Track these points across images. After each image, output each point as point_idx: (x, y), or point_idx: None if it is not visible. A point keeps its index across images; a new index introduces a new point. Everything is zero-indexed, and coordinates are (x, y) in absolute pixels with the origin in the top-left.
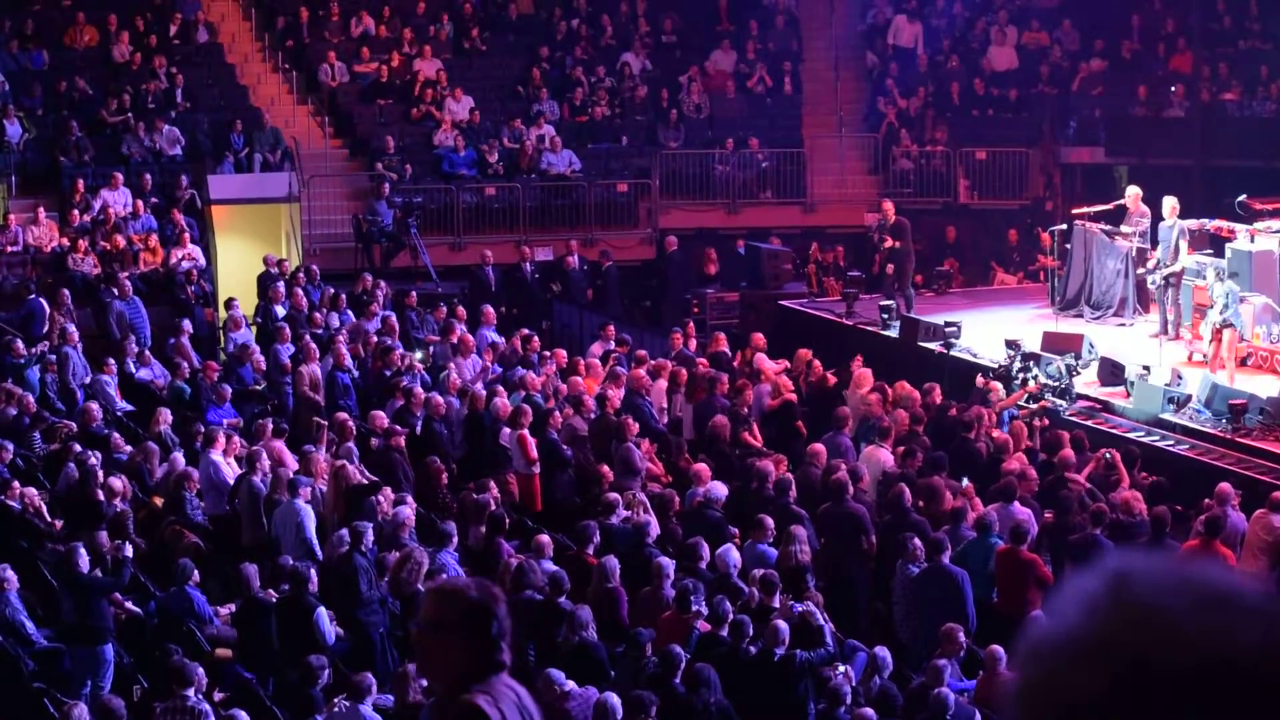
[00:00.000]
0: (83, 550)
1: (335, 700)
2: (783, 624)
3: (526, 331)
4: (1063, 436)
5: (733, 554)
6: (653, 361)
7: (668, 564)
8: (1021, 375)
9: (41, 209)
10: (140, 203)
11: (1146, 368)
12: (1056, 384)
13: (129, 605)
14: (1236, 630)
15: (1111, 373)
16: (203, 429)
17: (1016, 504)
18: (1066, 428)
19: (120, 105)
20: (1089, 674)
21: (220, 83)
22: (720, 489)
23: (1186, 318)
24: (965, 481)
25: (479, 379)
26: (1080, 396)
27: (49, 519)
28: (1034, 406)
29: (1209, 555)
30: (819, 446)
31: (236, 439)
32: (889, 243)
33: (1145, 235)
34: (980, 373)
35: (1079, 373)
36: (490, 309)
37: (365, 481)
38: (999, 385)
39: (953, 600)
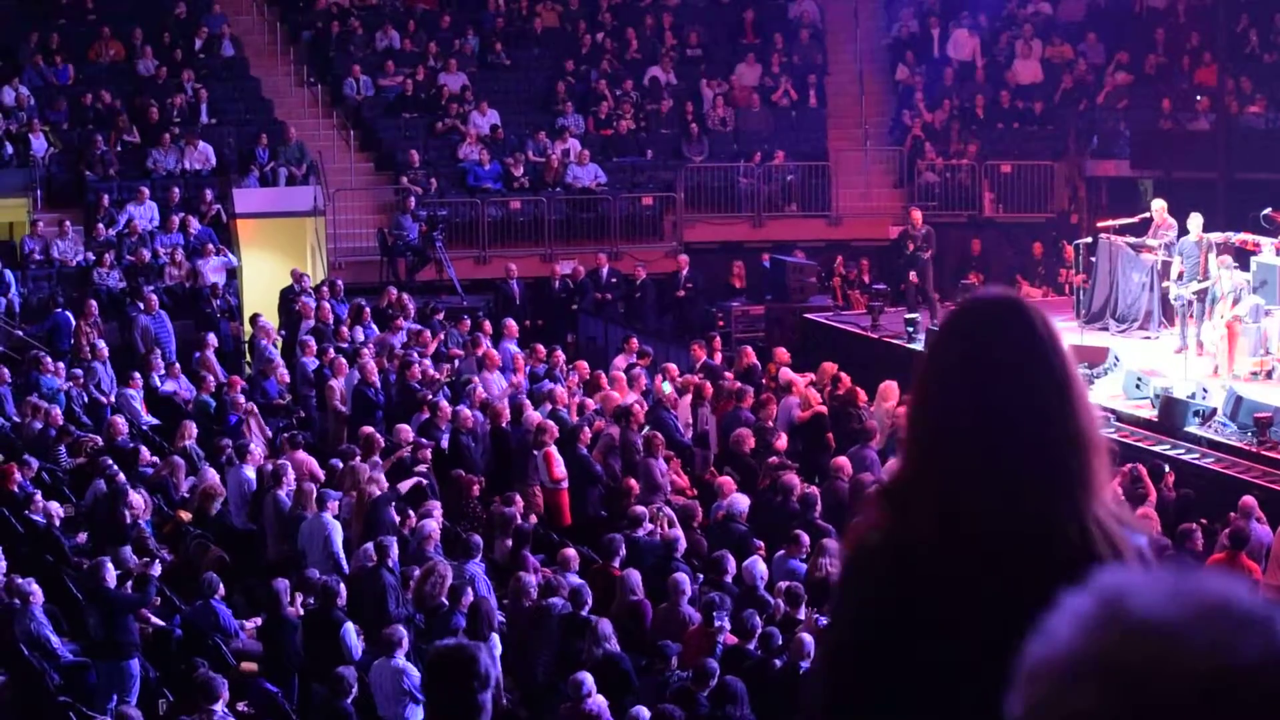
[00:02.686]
0: (110, 565)
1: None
2: (808, 637)
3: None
4: None
5: (759, 566)
6: (681, 378)
7: (684, 580)
8: None
9: (67, 222)
10: (175, 218)
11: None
12: None
13: (154, 619)
14: (1235, 641)
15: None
16: (231, 443)
17: None
18: None
19: (142, 120)
20: (1089, 693)
21: (245, 96)
22: (741, 502)
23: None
24: None
25: (506, 395)
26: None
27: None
28: None
29: (1234, 568)
30: (843, 460)
31: (260, 450)
32: (911, 248)
33: (1170, 248)
34: None
35: (1092, 383)
36: (513, 322)
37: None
38: None
39: None
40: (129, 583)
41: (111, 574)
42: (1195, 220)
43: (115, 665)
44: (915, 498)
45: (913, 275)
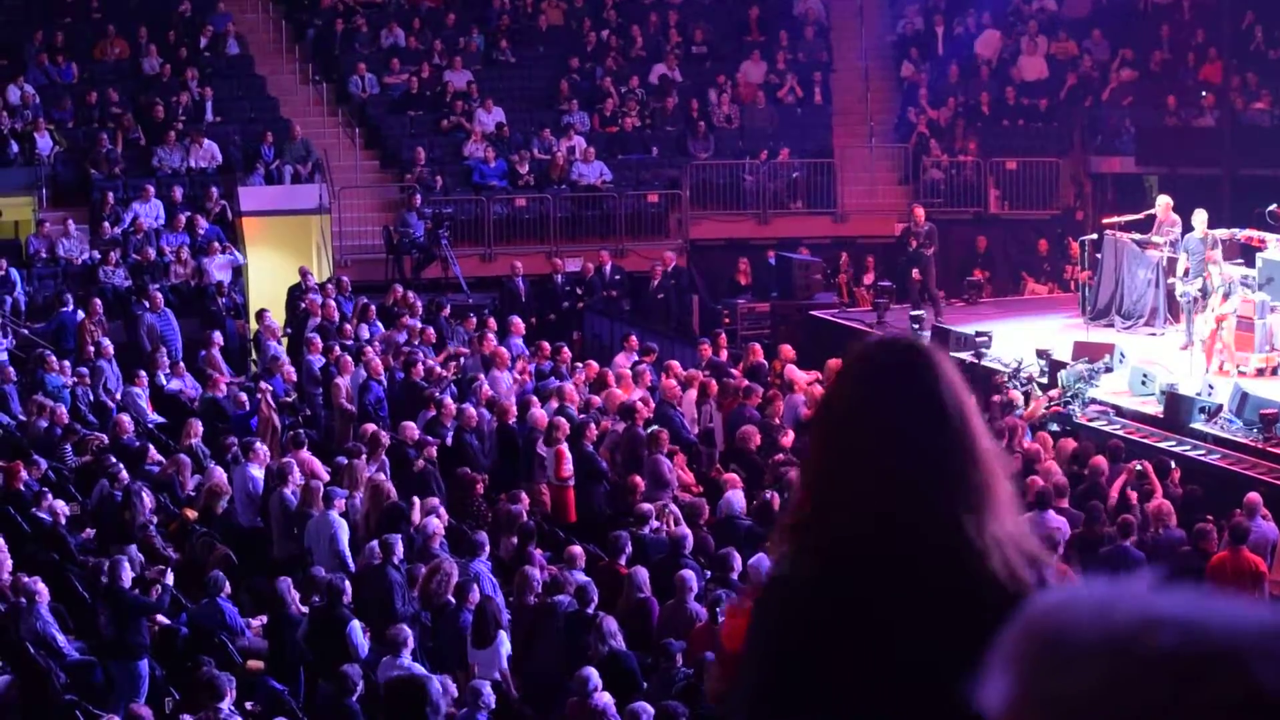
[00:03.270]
0: (126, 564)
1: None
2: None
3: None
4: (1090, 447)
5: (766, 563)
6: (685, 372)
7: (690, 577)
8: (1027, 376)
9: (72, 221)
10: (180, 217)
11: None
12: (1070, 389)
13: (161, 618)
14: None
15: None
16: (237, 441)
17: (1051, 512)
18: (1087, 434)
19: (147, 119)
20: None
21: (250, 95)
22: (737, 499)
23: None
24: None
25: (512, 393)
26: (1093, 401)
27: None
28: (1046, 411)
29: (1238, 564)
30: None
31: (265, 449)
32: (914, 245)
33: (1176, 245)
34: (996, 376)
35: (1093, 379)
36: (519, 320)
37: (398, 499)
38: (1020, 395)
39: None
40: (140, 588)
41: (128, 574)
42: (1200, 216)
43: (126, 665)
44: (820, 528)
45: (915, 272)
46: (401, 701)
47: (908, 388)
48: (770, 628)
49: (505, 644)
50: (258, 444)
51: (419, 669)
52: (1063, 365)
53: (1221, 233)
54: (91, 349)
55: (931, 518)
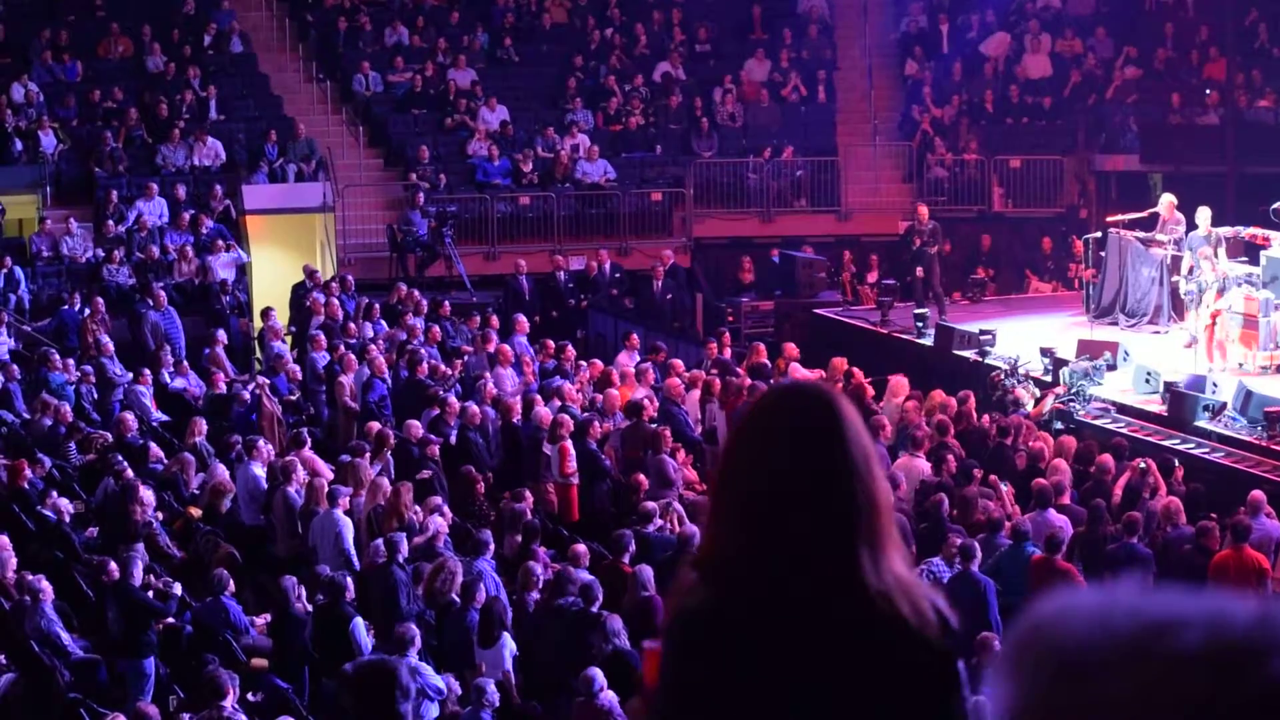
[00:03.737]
0: (139, 563)
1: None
2: None
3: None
4: (1091, 445)
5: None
6: (689, 373)
7: None
8: (1024, 374)
9: (72, 219)
10: (185, 215)
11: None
12: (1074, 386)
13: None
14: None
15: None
16: (240, 439)
17: (1052, 511)
18: (1091, 432)
19: (151, 117)
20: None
21: (254, 93)
22: None
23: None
24: (1006, 486)
25: (518, 392)
26: (1095, 399)
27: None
28: (1052, 409)
29: (1240, 562)
30: None
31: (270, 447)
32: (917, 243)
33: (1180, 243)
34: (993, 374)
35: (1094, 376)
36: (523, 318)
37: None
38: (1025, 393)
39: (977, 608)
40: (149, 592)
41: (139, 571)
42: (1203, 214)
43: (133, 664)
44: (722, 567)
45: (919, 270)
46: (370, 687)
47: (809, 434)
48: (673, 663)
49: (509, 644)
50: (260, 442)
51: (425, 667)
52: (1065, 363)
53: (1226, 230)
54: (93, 347)
55: (830, 559)
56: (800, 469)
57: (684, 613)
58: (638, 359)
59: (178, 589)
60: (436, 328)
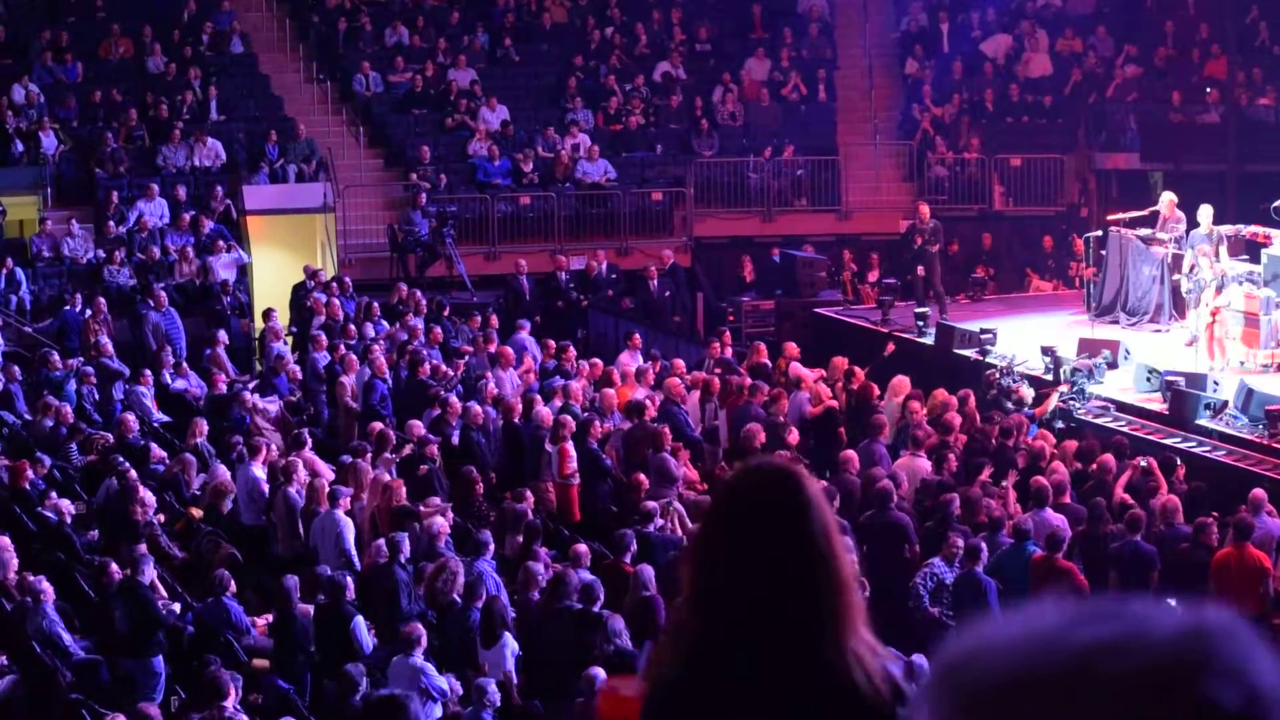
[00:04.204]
0: (150, 563)
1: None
2: None
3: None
4: (1093, 444)
5: None
6: (690, 375)
7: None
8: (1020, 374)
9: (74, 221)
10: (185, 216)
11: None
12: (1075, 384)
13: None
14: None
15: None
16: (242, 440)
17: (1049, 510)
18: (1092, 431)
19: (152, 118)
20: None
21: (254, 93)
22: None
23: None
24: (1006, 483)
25: (519, 391)
26: (1095, 397)
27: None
28: (1053, 407)
29: (1242, 560)
30: (851, 453)
31: (273, 448)
32: (919, 242)
33: (1180, 241)
34: (988, 373)
35: (1095, 373)
36: (524, 323)
37: (406, 502)
38: (1028, 391)
39: (982, 610)
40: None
41: (149, 571)
42: (1205, 212)
43: (142, 663)
44: (693, 637)
45: (920, 269)
46: (380, 717)
47: (775, 513)
48: None
49: (511, 643)
50: (261, 442)
51: (430, 667)
52: (1064, 362)
53: (1227, 229)
54: (93, 347)
55: (793, 636)
56: (766, 548)
57: (658, 684)
58: (640, 359)
59: (176, 607)
60: (438, 328)
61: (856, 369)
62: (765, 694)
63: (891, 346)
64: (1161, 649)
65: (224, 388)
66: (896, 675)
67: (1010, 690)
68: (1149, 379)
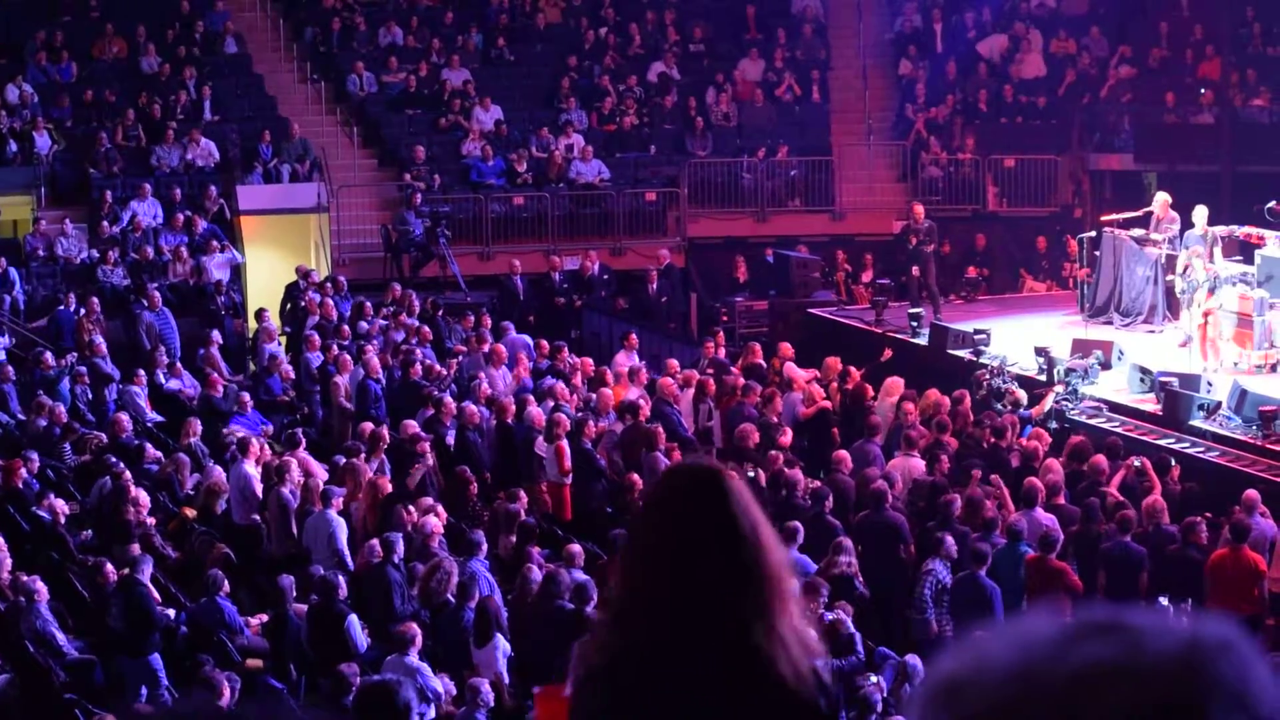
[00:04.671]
0: (149, 563)
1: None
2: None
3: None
4: (1087, 443)
5: None
6: (683, 373)
7: None
8: (1012, 375)
9: (67, 220)
10: (179, 216)
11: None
12: (1069, 385)
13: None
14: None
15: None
16: (235, 439)
17: (1039, 510)
18: (1086, 431)
19: (145, 118)
20: None
21: (248, 93)
22: None
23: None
24: (999, 484)
25: (511, 390)
26: (1087, 398)
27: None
28: (1049, 407)
29: (1238, 562)
30: (844, 454)
31: (265, 447)
32: (914, 242)
33: (1174, 242)
34: (977, 372)
35: (1089, 374)
36: (508, 324)
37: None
38: (1023, 393)
39: (983, 615)
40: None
41: (147, 569)
42: (1200, 213)
43: (137, 661)
44: (624, 629)
45: (915, 269)
46: (373, 706)
47: (704, 509)
48: (577, 703)
49: (503, 644)
50: (253, 441)
51: (424, 668)
52: (1056, 362)
53: (1220, 229)
54: (87, 347)
55: (716, 621)
56: (693, 540)
57: (587, 659)
58: (636, 359)
59: (171, 613)
60: (428, 328)
61: (852, 369)
62: (692, 684)
63: (889, 352)
64: (1161, 677)
65: (219, 389)
66: (821, 669)
67: (1005, 716)
68: (1142, 380)
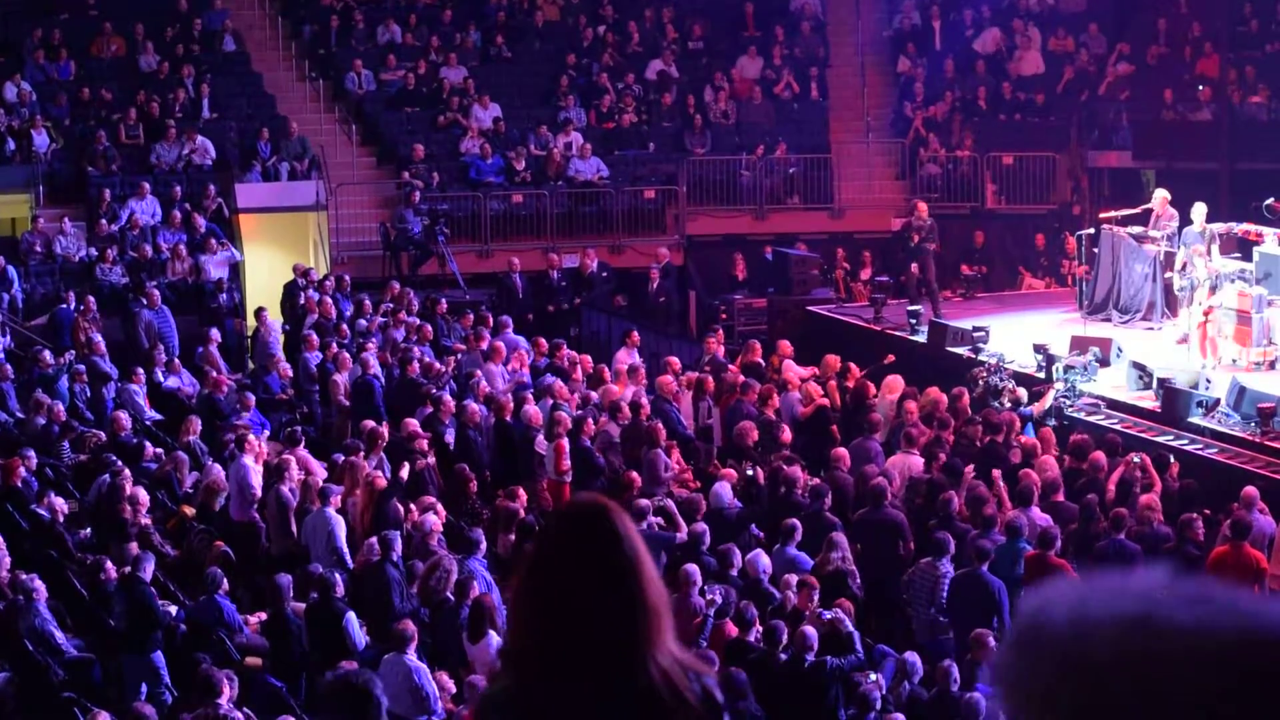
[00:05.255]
0: (151, 561)
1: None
2: (811, 630)
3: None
4: (1088, 441)
5: (762, 559)
6: (686, 375)
7: (694, 571)
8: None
9: (65, 219)
10: (176, 214)
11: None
12: (1068, 383)
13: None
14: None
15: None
16: (233, 436)
17: (1035, 508)
18: (1086, 429)
19: (144, 116)
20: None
21: (247, 91)
22: (725, 491)
23: (1228, 326)
24: (1003, 484)
25: (510, 389)
26: (1084, 395)
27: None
28: (1050, 404)
29: (1239, 559)
30: (842, 451)
31: (264, 444)
32: (916, 239)
33: (1173, 239)
34: (975, 370)
35: (1089, 371)
36: (508, 319)
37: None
38: (1023, 390)
39: (986, 610)
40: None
41: (151, 567)
42: (1199, 210)
43: (139, 659)
44: (519, 658)
45: (914, 267)
46: (346, 699)
47: (589, 546)
48: None
49: (497, 641)
50: (250, 438)
51: (423, 666)
52: (1055, 360)
53: (1219, 226)
54: (85, 346)
55: (609, 655)
56: (583, 576)
57: (487, 696)
58: (637, 356)
59: (173, 610)
60: (428, 326)
61: (853, 365)
62: (581, 706)
63: (891, 357)
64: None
65: (224, 389)
66: (711, 688)
67: (1089, 654)
68: (1140, 378)
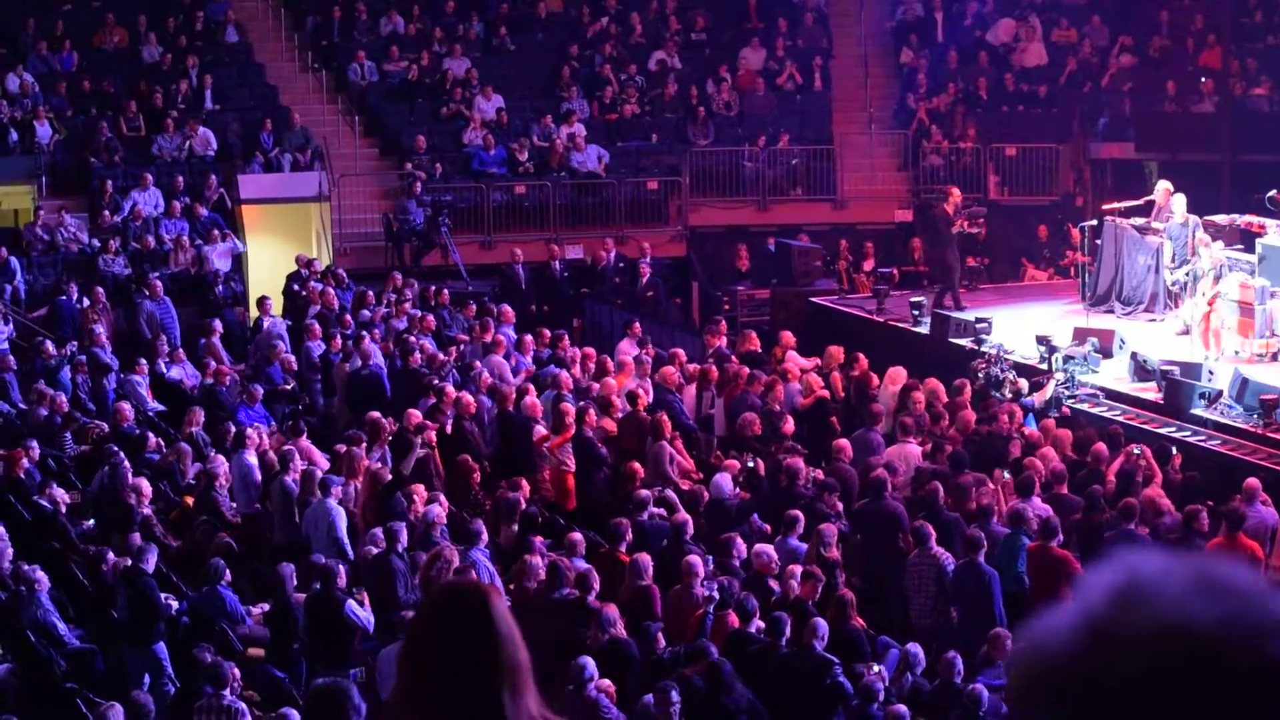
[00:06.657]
0: (154, 553)
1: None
2: (821, 621)
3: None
4: (1090, 432)
5: (766, 551)
6: (691, 366)
7: (696, 563)
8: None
9: (70, 210)
10: (177, 204)
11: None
12: (1068, 373)
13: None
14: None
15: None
16: (234, 429)
17: (1036, 499)
18: (1088, 420)
19: (146, 107)
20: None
21: (249, 82)
22: (725, 482)
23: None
24: (1006, 476)
25: (524, 378)
26: (1085, 385)
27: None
28: (1051, 394)
29: (1233, 550)
30: (844, 442)
31: (266, 437)
32: (961, 225)
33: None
34: (976, 361)
35: (1090, 362)
36: (509, 308)
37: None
38: (1024, 381)
39: (981, 599)
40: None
41: (152, 558)
42: (1179, 201)
43: (142, 650)
44: (399, 711)
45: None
46: (325, 706)
47: (462, 622)
48: None
49: None
50: (251, 430)
51: None
52: (1056, 350)
53: (1221, 218)
54: (89, 336)
55: (480, 709)
56: (459, 655)
57: None
58: (638, 348)
59: (174, 603)
60: (430, 316)
61: (860, 355)
62: None
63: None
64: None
65: (227, 380)
66: None
67: (1118, 627)
68: (1140, 369)
